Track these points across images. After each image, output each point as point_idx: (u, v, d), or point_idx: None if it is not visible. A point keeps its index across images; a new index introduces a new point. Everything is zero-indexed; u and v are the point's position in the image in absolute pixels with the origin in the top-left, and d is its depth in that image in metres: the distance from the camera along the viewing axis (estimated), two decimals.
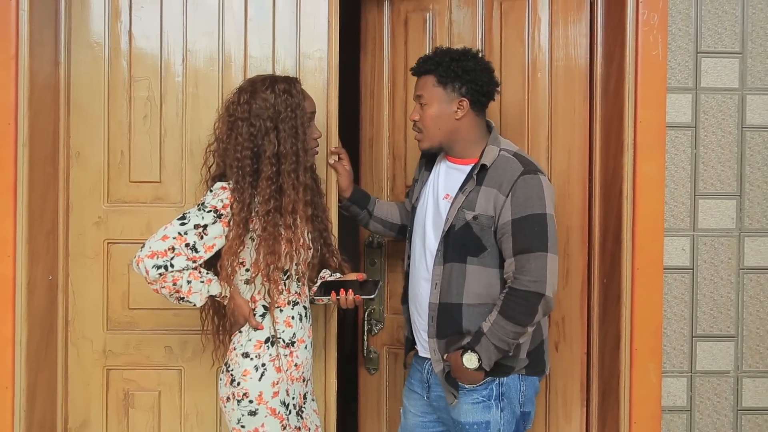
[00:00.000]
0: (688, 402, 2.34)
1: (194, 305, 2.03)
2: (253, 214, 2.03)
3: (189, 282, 1.99)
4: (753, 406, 2.34)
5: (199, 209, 2.01)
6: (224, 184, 2.03)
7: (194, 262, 1.99)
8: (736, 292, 2.34)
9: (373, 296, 2.14)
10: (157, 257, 1.95)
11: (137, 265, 1.97)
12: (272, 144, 2.02)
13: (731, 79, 2.35)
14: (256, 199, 2.04)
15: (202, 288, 2.01)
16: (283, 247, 2.03)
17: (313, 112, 2.14)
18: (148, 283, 2.00)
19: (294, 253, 2.04)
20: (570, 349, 2.48)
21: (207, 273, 2.03)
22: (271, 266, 2.03)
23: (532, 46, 2.53)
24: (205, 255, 2.00)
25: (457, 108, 2.09)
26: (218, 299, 2.08)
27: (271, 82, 2.07)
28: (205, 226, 1.97)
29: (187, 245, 1.96)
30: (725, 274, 2.35)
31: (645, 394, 2.30)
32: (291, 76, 2.17)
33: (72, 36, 2.39)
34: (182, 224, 1.99)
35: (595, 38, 2.48)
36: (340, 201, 2.34)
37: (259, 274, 2.04)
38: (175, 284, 1.98)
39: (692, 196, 2.35)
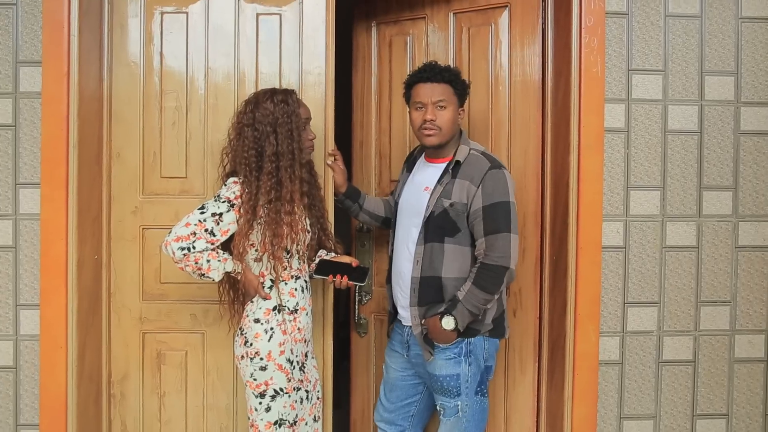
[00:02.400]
0: (620, 357, 2.44)
1: (213, 280, 2.12)
2: (259, 203, 2.09)
3: (208, 261, 2.08)
4: (671, 359, 2.46)
5: (215, 200, 2.10)
6: (235, 179, 2.13)
7: (212, 244, 2.07)
8: (659, 266, 2.44)
9: (363, 283, 2.25)
10: (182, 240, 2.05)
11: (165, 247, 2.07)
12: (272, 145, 2.11)
13: (656, 92, 2.43)
14: (260, 191, 2.09)
15: (219, 266, 2.10)
16: (285, 230, 2.09)
17: (308, 118, 2.21)
18: (175, 262, 2.10)
19: (294, 235, 2.12)
20: (525, 315, 2.56)
21: (223, 253, 2.11)
22: (276, 246, 2.11)
23: (494, 64, 2.59)
24: (221, 238, 2.09)
25: (460, 114, 2.28)
26: (233, 275, 2.16)
27: (271, 93, 2.17)
28: (221, 214, 2.08)
29: (206, 230, 2.06)
30: (651, 251, 2.43)
31: (586, 350, 2.39)
32: (289, 88, 2.23)
33: (113, 56, 2.47)
34: (201, 213, 2.08)
35: (547, 58, 2.53)
36: (336, 195, 2.46)
37: (266, 253, 2.12)
38: (197, 263, 2.07)
39: (625, 187, 2.43)
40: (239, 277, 2.16)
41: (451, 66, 2.35)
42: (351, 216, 2.59)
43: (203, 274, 2.10)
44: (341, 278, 2.21)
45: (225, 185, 2.14)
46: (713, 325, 2.47)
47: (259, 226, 2.11)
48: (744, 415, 2.49)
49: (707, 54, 2.44)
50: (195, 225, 2.07)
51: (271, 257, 2.12)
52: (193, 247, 2.05)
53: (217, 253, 2.10)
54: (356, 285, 2.33)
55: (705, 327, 2.47)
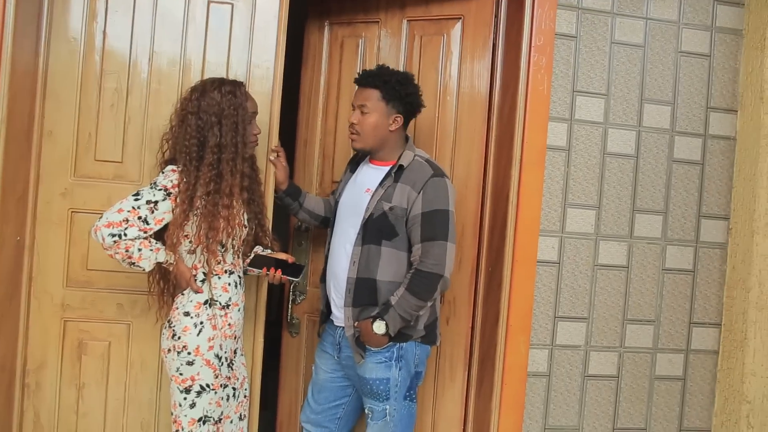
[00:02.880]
0: (548, 369, 2.48)
1: (143, 270, 2.07)
2: (197, 194, 2.04)
3: (140, 250, 2.02)
4: (596, 373, 2.51)
5: (151, 187, 2.05)
6: (174, 167, 2.08)
7: (145, 233, 2.02)
8: (591, 283, 2.49)
9: (297, 279, 2.24)
10: (113, 227, 1.99)
11: (95, 233, 2.00)
12: (215, 136, 2.07)
13: (598, 114, 2.48)
14: (199, 182, 2.04)
15: (150, 255, 2.04)
16: (221, 223, 2.05)
17: (255, 112, 2.18)
18: (104, 249, 2.03)
19: (230, 229, 2.08)
20: (458, 324, 2.56)
21: (156, 243, 2.06)
22: (211, 239, 2.06)
23: (444, 74, 2.60)
24: (155, 227, 2.04)
25: (393, 122, 2.24)
26: (165, 266, 2.10)
27: (219, 83, 2.13)
28: (156, 203, 2.02)
29: (139, 218, 2.01)
30: (584, 268, 2.49)
31: (515, 361, 2.41)
32: (238, 80, 2.20)
33: (52, 31, 2.35)
34: (136, 200, 2.02)
35: (496, 72, 2.54)
36: (276, 192, 2.41)
37: (200, 245, 2.07)
38: (127, 251, 2.01)
39: (563, 204, 2.47)
40: (171, 269, 2.11)
41: (398, 70, 2.32)
42: (290, 214, 2.55)
43: (133, 263, 2.04)
44: (275, 272, 2.18)
45: (162, 173, 2.09)
46: (637, 343, 2.54)
47: (195, 218, 2.06)
48: (660, 430, 2.58)
49: (648, 82, 2.52)
50: (128, 212, 2.01)
51: (204, 250, 2.08)
52: (125, 235, 1.99)
53: (150, 242, 2.05)
54: (290, 281, 2.29)
55: (630, 344, 2.54)
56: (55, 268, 2.39)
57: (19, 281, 2.36)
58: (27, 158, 2.34)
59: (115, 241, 1.99)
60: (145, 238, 2.04)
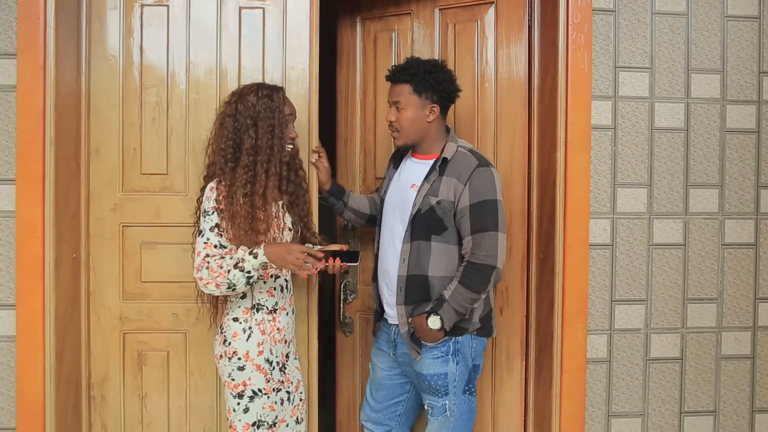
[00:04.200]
0: (608, 354, 2.42)
1: (236, 266, 1.97)
2: (236, 196, 2.03)
3: (231, 257, 2.00)
4: (659, 356, 2.44)
5: (204, 216, 2.06)
6: (211, 184, 2.07)
7: (228, 255, 2.02)
8: (647, 264, 2.42)
9: (357, 263, 2.18)
10: (201, 267, 2.00)
11: (198, 282, 2.02)
12: (251, 138, 2.07)
13: (643, 89, 2.40)
14: (236, 183, 2.04)
15: (237, 256, 1.99)
16: (261, 225, 2.04)
17: (291, 115, 2.16)
18: (206, 284, 2.00)
19: (270, 231, 2.07)
20: (512, 313, 2.53)
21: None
22: (251, 241, 2.02)
23: (480, 61, 2.55)
24: (230, 245, 2.04)
25: (429, 113, 2.20)
26: (254, 252, 1.97)
27: (257, 87, 2.13)
28: (217, 225, 2.03)
29: (215, 246, 2.02)
30: (638, 249, 2.41)
31: (573, 348, 2.36)
32: (277, 85, 2.18)
33: (92, 50, 2.38)
34: (202, 235, 2.05)
35: (533, 55, 2.50)
36: (320, 193, 2.40)
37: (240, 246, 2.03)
38: (221, 267, 1.98)
39: (612, 185, 2.40)
40: (260, 256, 1.98)
41: (427, 59, 2.26)
42: (335, 214, 2.53)
43: (230, 271, 1.97)
44: (333, 261, 2.11)
45: (204, 195, 2.09)
46: (700, 323, 2.45)
47: (237, 220, 2.03)
48: (731, 412, 2.48)
49: (693, 52, 2.42)
50: (204, 248, 2.04)
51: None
52: (211, 263, 2.00)
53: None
54: (351, 267, 2.26)
55: (692, 324, 2.45)
56: (111, 282, 2.41)
57: (78, 297, 2.38)
58: (77, 177, 2.37)
59: (208, 268, 1.99)
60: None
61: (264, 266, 2.01)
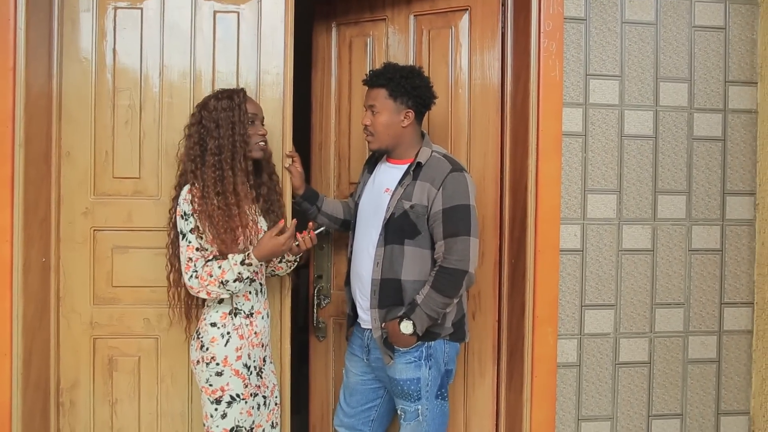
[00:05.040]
0: (577, 359, 2.43)
1: (235, 281, 2.02)
2: (209, 196, 2.05)
3: (220, 267, 2.03)
4: (627, 360, 2.46)
5: (183, 219, 2.08)
6: (187, 187, 2.10)
7: (210, 257, 2.07)
8: (616, 269, 2.43)
9: (323, 228, 2.24)
10: (188, 271, 2.05)
11: (188, 289, 2.08)
12: (214, 139, 2.09)
13: (613, 97, 2.42)
14: (206, 183, 2.06)
15: (227, 263, 2.03)
16: (236, 222, 2.06)
17: (255, 113, 2.17)
18: (198, 292, 2.06)
19: (246, 230, 2.09)
20: (484, 318, 2.53)
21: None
22: (228, 240, 2.04)
23: (454, 67, 2.57)
24: (211, 247, 2.06)
25: (404, 117, 2.21)
26: (248, 262, 2.02)
27: (218, 93, 2.18)
28: (196, 227, 2.05)
29: (197, 249, 2.05)
30: (607, 254, 2.43)
31: (544, 353, 2.36)
32: (238, 88, 2.20)
33: (63, 52, 2.35)
34: (183, 238, 2.07)
35: (506, 62, 2.51)
36: (293, 197, 2.39)
37: (216, 247, 2.06)
38: (211, 276, 2.03)
39: (582, 191, 2.41)
40: (251, 260, 2.03)
41: (404, 66, 2.28)
42: (309, 218, 2.51)
43: (225, 282, 2.03)
44: (305, 234, 2.17)
45: (181, 198, 2.09)
46: (668, 327, 2.48)
47: (212, 220, 2.05)
48: (697, 415, 2.51)
49: (662, 61, 2.45)
50: (186, 252, 2.06)
51: (222, 248, 2.05)
52: (197, 268, 2.04)
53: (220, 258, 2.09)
54: (321, 233, 2.25)
55: (660, 329, 2.47)
56: (82, 287, 2.39)
57: (47, 302, 2.35)
58: (47, 180, 2.34)
59: (197, 277, 2.03)
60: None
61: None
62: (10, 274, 2.16)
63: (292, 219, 2.09)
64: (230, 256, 2.04)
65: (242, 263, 2.03)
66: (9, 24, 2.15)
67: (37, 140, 2.27)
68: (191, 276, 2.04)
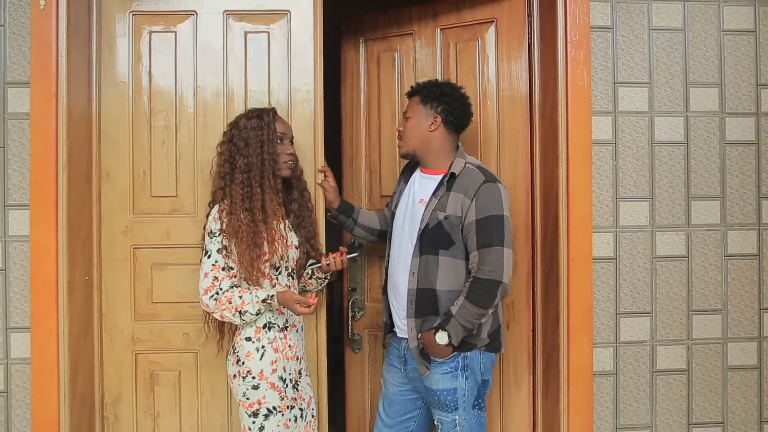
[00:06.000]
0: (614, 367, 2.41)
1: (254, 314, 2.07)
2: (237, 213, 2.08)
3: (240, 297, 2.06)
4: (665, 368, 2.43)
5: (210, 237, 2.10)
6: (216, 207, 2.13)
7: (235, 278, 2.08)
8: (650, 276, 2.41)
9: (357, 254, 2.28)
10: (209, 291, 2.06)
11: (203, 306, 2.11)
12: (243, 156, 2.13)
13: (642, 104, 2.41)
14: (234, 200, 2.10)
15: (250, 297, 2.07)
16: (263, 239, 2.08)
17: (284, 133, 2.20)
18: (212, 313, 2.10)
19: (273, 247, 2.09)
20: (519, 328, 2.53)
21: (250, 286, 2.12)
22: (255, 256, 2.06)
23: (482, 78, 2.58)
24: (236, 266, 2.09)
25: (432, 122, 2.24)
26: (269, 302, 2.07)
27: (249, 112, 2.22)
28: (225, 247, 2.08)
29: (223, 269, 2.07)
30: (641, 262, 2.41)
31: (580, 362, 2.36)
32: (268, 107, 2.24)
33: (102, 76, 2.42)
34: (209, 257, 2.09)
35: (533, 72, 2.52)
36: (329, 211, 2.43)
37: (243, 265, 2.07)
38: (230, 302, 2.07)
39: (614, 199, 2.41)
40: (274, 301, 2.09)
41: (444, 82, 2.34)
42: (346, 231, 2.55)
43: (242, 312, 2.07)
44: (338, 256, 2.22)
45: (210, 217, 2.13)
46: (706, 334, 2.45)
47: (239, 238, 2.07)
48: (739, 423, 2.47)
49: (691, 66, 2.43)
50: (211, 271, 2.09)
51: (249, 269, 2.08)
52: (221, 289, 2.07)
53: (246, 287, 2.11)
54: (353, 259, 2.34)
55: (697, 335, 2.44)
56: (123, 304, 2.43)
57: (90, 319, 2.40)
58: (89, 201, 2.40)
59: (216, 300, 2.06)
60: (238, 285, 2.10)
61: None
62: (56, 292, 2.22)
63: (315, 297, 2.11)
64: (252, 292, 2.06)
65: (264, 301, 2.07)
66: (51, 52, 2.23)
67: (79, 162, 2.33)
68: (212, 296, 2.07)
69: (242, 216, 2.08)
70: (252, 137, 2.12)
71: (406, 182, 2.37)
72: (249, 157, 2.11)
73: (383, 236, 2.48)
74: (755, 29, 2.45)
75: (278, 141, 2.16)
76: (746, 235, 2.44)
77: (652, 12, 2.42)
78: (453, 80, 2.56)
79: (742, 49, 2.45)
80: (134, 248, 2.43)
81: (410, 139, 2.27)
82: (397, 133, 2.33)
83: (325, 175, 2.39)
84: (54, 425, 2.22)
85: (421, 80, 2.47)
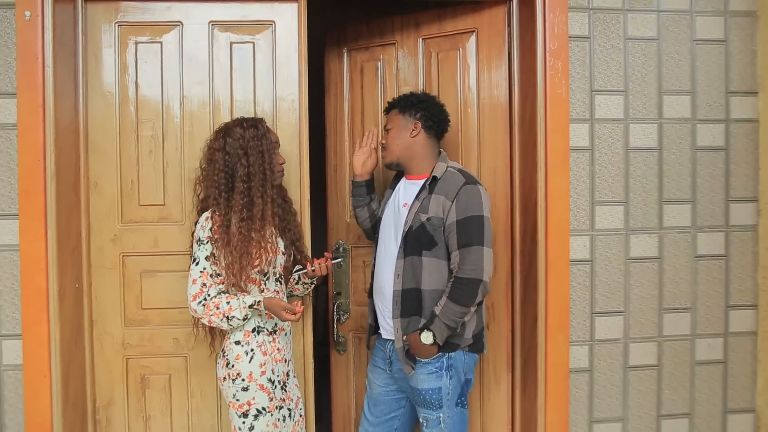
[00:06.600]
0: (589, 364, 2.50)
1: (241, 320, 2.12)
2: (232, 223, 2.11)
3: (228, 303, 2.12)
4: (637, 364, 2.53)
5: (198, 245, 2.14)
6: (206, 214, 2.16)
7: (223, 284, 2.12)
8: (624, 277, 2.50)
9: (341, 259, 2.35)
10: (198, 297, 2.11)
11: (192, 312, 2.16)
12: (243, 166, 2.15)
13: (617, 111, 2.48)
14: (233, 210, 2.12)
15: (237, 303, 2.12)
16: (254, 248, 2.11)
17: (277, 142, 2.25)
18: (201, 318, 2.15)
19: (264, 252, 2.13)
20: (498, 328, 2.60)
21: (237, 292, 2.16)
22: (245, 264, 2.10)
23: (463, 87, 2.63)
24: (224, 273, 2.13)
25: (413, 128, 2.31)
26: (256, 307, 2.13)
27: (240, 120, 2.24)
28: (212, 254, 2.12)
29: (210, 276, 2.12)
30: (616, 263, 2.49)
31: (557, 359, 2.43)
32: (257, 117, 2.30)
33: (89, 87, 2.44)
34: (197, 264, 2.14)
35: (513, 80, 2.56)
36: (359, 178, 2.47)
37: (231, 271, 2.10)
38: (218, 308, 2.11)
39: (591, 203, 2.48)
40: (261, 307, 2.14)
41: (419, 92, 2.41)
42: (354, 204, 2.55)
43: (229, 317, 2.12)
44: (322, 261, 2.28)
45: (198, 225, 2.16)
46: (675, 331, 2.56)
47: (231, 246, 2.10)
48: (705, 414, 2.59)
49: (665, 74, 2.52)
50: (200, 277, 2.13)
51: (238, 276, 2.11)
52: (209, 295, 2.12)
53: (234, 293, 2.15)
54: (338, 264, 2.40)
55: (668, 333, 2.55)
56: (113, 310, 2.48)
57: (81, 325, 2.44)
58: (77, 210, 2.42)
59: (204, 305, 2.11)
60: (226, 292, 2.14)
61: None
62: (46, 300, 2.24)
63: (302, 305, 2.18)
64: (240, 298, 2.12)
65: (251, 307, 2.12)
66: (37, 62, 2.22)
67: (67, 172, 2.35)
68: (200, 302, 2.12)
69: (237, 226, 2.10)
70: (252, 147, 2.15)
71: (393, 189, 2.44)
72: (250, 166, 2.14)
73: (369, 234, 2.55)
74: (725, 39, 2.53)
75: (273, 151, 2.20)
76: (715, 237, 2.55)
77: (628, 22, 2.48)
78: (435, 89, 2.63)
79: (713, 58, 2.53)
80: (123, 256, 2.47)
81: (394, 148, 2.33)
82: (380, 146, 2.38)
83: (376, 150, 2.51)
84: (47, 429, 2.25)
85: (404, 89, 2.54)
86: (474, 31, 2.60)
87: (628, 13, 2.48)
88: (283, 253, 2.24)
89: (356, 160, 2.47)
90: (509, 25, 2.55)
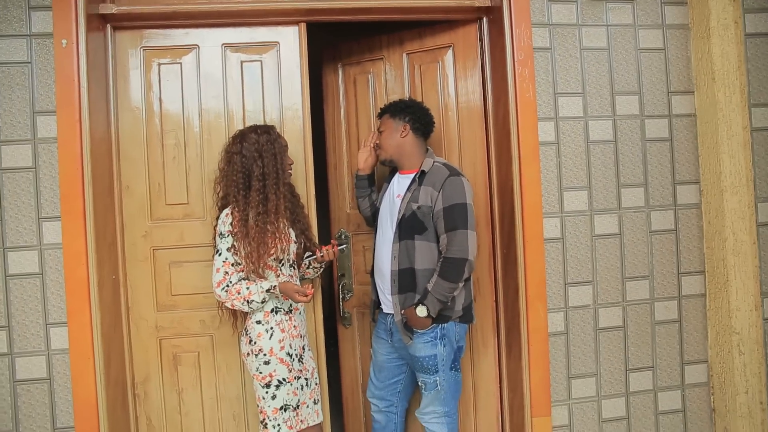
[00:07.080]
0: (565, 328, 2.64)
1: (259, 302, 2.22)
2: (250, 216, 2.20)
3: (248, 288, 2.22)
4: (605, 326, 2.68)
5: (220, 238, 2.24)
6: (227, 210, 2.24)
7: (243, 272, 2.23)
8: (591, 252, 2.64)
9: (345, 245, 2.46)
10: (221, 284, 2.20)
11: (217, 297, 2.25)
12: (258, 167, 2.25)
13: (578, 110, 2.63)
14: (250, 205, 2.21)
15: (256, 288, 2.22)
16: (269, 239, 2.22)
17: (286, 145, 2.35)
18: (224, 302, 2.24)
19: (278, 242, 2.23)
20: (484, 300, 2.71)
21: (256, 279, 2.25)
22: (263, 253, 2.20)
23: (443, 94, 2.76)
24: (243, 262, 2.23)
25: (402, 130, 2.44)
26: (273, 292, 2.23)
27: (255, 127, 2.33)
28: (233, 246, 2.20)
29: (232, 265, 2.21)
30: (583, 240, 2.63)
31: (537, 325, 2.55)
32: (268, 124, 2.38)
33: (119, 103, 2.55)
34: (219, 255, 2.24)
35: (487, 87, 2.68)
36: (361, 173, 2.62)
37: (250, 259, 2.20)
38: (239, 293, 2.21)
39: (559, 189, 2.61)
40: (277, 291, 2.23)
41: (406, 99, 2.54)
42: (357, 196, 2.67)
43: (248, 300, 2.22)
44: (329, 248, 2.40)
45: (220, 220, 2.25)
46: (637, 296, 2.70)
47: (249, 238, 2.19)
48: (666, 366, 2.73)
49: (616, 78, 2.67)
50: (222, 266, 2.22)
51: (256, 264, 2.21)
52: (230, 282, 2.21)
53: (253, 280, 2.25)
54: (342, 250, 2.48)
55: (630, 298, 2.69)
56: (146, 298, 2.57)
57: (119, 312, 2.55)
58: (112, 210, 2.52)
59: (227, 291, 2.19)
60: (246, 279, 2.24)
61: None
62: (87, 291, 2.35)
63: (312, 288, 2.27)
64: (258, 283, 2.23)
65: (268, 291, 2.24)
66: (74, 84, 2.34)
67: (102, 178, 2.47)
68: (223, 288, 2.20)
69: (254, 220, 2.19)
70: (265, 150, 2.25)
71: (388, 183, 2.58)
72: (264, 167, 2.24)
73: (369, 222, 2.67)
74: (664, 47, 2.72)
75: (284, 152, 2.32)
76: (665, 215, 2.70)
77: (583, 35, 2.65)
78: (419, 97, 2.75)
79: (655, 64, 2.70)
80: (153, 249, 2.57)
81: (387, 147, 2.48)
82: (374, 146, 2.52)
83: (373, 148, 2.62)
84: (92, 405, 2.35)
85: (391, 97, 2.66)
86: (451, 46, 2.73)
87: (582, 27, 2.64)
88: (295, 242, 2.33)
89: (359, 157, 2.60)
90: (481, 40, 2.68)
